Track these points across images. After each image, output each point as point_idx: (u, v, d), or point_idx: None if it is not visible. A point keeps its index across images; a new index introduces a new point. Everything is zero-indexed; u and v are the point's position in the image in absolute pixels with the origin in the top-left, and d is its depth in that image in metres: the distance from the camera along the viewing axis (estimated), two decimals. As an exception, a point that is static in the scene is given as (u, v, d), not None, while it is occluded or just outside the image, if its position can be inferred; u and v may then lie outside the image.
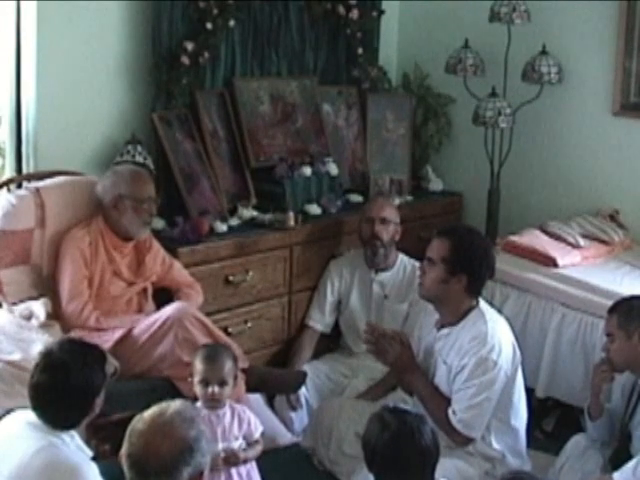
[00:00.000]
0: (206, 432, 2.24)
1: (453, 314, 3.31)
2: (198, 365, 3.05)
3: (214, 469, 2.90)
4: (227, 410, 3.06)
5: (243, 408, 3.13)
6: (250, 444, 3.09)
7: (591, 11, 4.51)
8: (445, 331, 3.33)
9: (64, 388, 2.45)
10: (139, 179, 3.68)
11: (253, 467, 3.12)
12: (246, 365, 3.57)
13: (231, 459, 3.01)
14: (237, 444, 3.04)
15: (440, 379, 3.31)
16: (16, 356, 3.19)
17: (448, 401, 3.24)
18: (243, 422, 3.07)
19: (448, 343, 3.30)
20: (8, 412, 2.67)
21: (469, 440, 3.24)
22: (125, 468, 2.17)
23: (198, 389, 3.04)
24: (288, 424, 3.94)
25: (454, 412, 3.20)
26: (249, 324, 4.10)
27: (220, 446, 2.99)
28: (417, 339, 3.50)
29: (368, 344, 3.41)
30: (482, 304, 3.35)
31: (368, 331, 3.40)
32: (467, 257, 3.26)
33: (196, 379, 3.05)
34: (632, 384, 3.22)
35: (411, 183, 4.91)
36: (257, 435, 3.10)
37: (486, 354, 3.18)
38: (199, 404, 3.02)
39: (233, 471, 3.03)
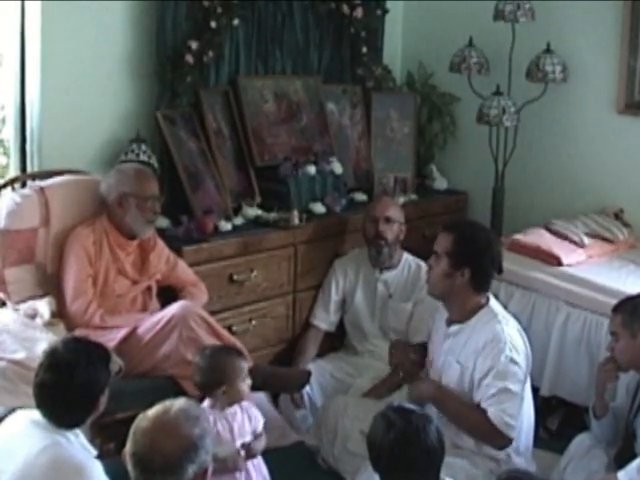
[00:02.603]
0: (211, 430, 2.24)
1: (460, 310, 3.31)
2: None
3: (236, 469, 2.96)
4: (237, 408, 3.08)
5: (249, 404, 3.14)
6: (256, 437, 3.11)
7: (596, 9, 4.51)
8: (454, 328, 3.32)
9: (68, 387, 2.45)
10: (143, 177, 3.68)
11: (260, 459, 3.14)
12: (250, 364, 3.56)
13: (251, 452, 3.04)
14: (248, 440, 3.07)
15: (450, 378, 3.30)
16: (21, 355, 3.19)
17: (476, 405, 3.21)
18: (252, 418, 3.10)
19: (459, 342, 3.29)
20: (12, 411, 2.67)
21: (510, 441, 3.20)
22: (129, 467, 2.17)
23: None
24: (292, 423, 3.94)
25: (494, 414, 3.14)
26: (253, 323, 4.10)
27: (238, 443, 3.01)
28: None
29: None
30: (492, 302, 3.35)
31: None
32: (470, 250, 3.27)
33: None
34: (637, 383, 3.21)
35: (415, 182, 4.91)
36: (260, 428, 3.13)
37: (510, 354, 3.18)
38: (205, 404, 3.02)
39: (249, 464, 3.06)
